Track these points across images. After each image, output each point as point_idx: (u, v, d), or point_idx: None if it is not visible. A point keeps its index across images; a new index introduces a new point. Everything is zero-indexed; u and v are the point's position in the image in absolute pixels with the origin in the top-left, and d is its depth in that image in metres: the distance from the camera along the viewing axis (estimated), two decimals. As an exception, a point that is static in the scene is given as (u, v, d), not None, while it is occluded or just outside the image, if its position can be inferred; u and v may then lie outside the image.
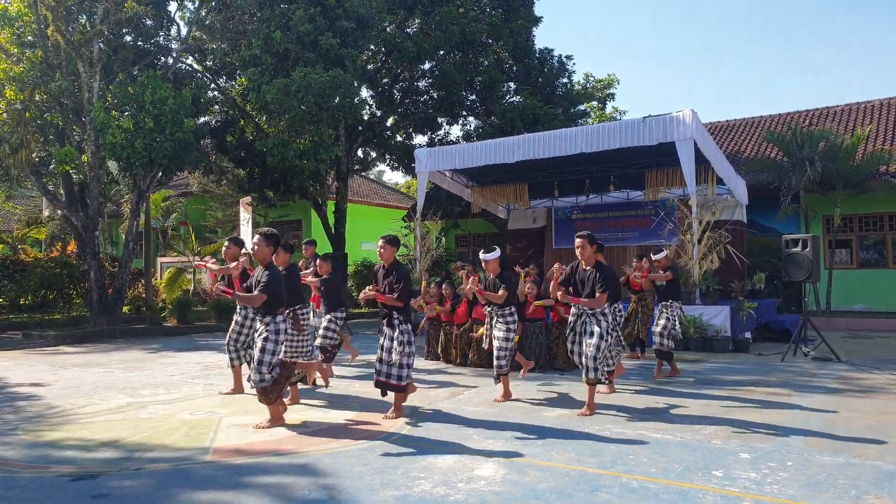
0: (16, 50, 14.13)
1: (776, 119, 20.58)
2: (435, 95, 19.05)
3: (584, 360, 5.92)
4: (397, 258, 6.12)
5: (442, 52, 17.78)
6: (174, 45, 16.44)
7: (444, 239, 21.18)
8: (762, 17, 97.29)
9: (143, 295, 16.91)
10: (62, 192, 15.26)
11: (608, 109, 30.12)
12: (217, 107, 18.10)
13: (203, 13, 15.82)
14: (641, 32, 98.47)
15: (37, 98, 14.18)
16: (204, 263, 7.53)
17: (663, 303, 8.32)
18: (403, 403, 5.98)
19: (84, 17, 14.61)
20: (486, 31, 17.59)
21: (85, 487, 4.08)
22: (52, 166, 15.10)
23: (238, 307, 6.83)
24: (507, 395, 6.61)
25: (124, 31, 14.96)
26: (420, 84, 19.50)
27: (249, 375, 5.53)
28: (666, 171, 13.81)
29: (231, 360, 6.94)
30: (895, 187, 14.89)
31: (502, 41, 18.16)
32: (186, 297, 16.14)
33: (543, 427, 5.48)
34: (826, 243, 15.77)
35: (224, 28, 15.50)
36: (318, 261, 8.26)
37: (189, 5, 16.74)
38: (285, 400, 6.08)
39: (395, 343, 5.71)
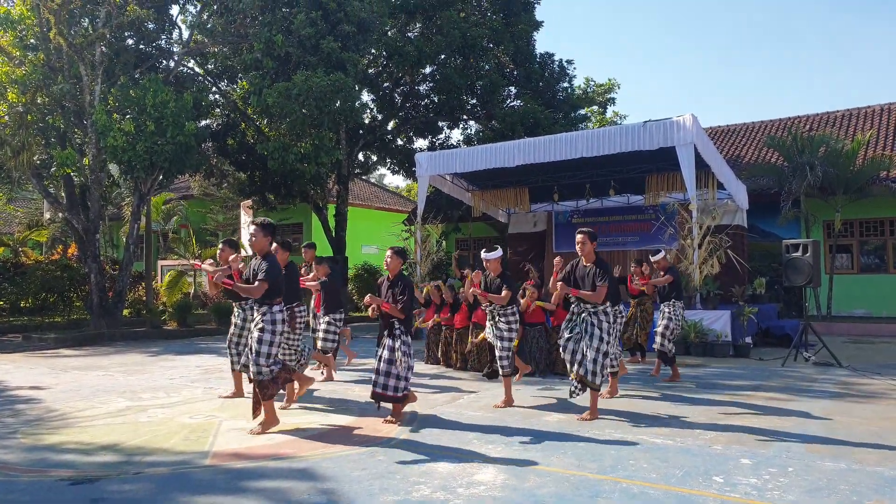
0: (18, 53, 14.17)
1: (777, 124, 20.57)
2: (436, 99, 19.09)
3: (585, 363, 5.85)
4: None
5: (443, 57, 17.82)
6: (176, 49, 16.50)
7: (444, 242, 21.19)
8: (763, 23, 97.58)
9: (144, 298, 16.90)
10: (63, 194, 15.28)
11: (609, 114, 30.20)
12: (218, 110, 18.12)
13: (205, 17, 15.87)
14: (642, 37, 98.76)
15: (38, 101, 14.22)
16: (199, 264, 7.54)
17: (665, 303, 8.32)
18: (403, 409, 5.96)
19: (86, 20, 14.67)
20: (486, 36, 17.63)
21: (84, 491, 4.08)
22: (53, 169, 15.12)
23: (235, 310, 6.83)
24: (508, 402, 6.52)
25: (126, 34, 15.02)
26: (421, 88, 19.56)
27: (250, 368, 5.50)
28: (666, 176, 13.84)
29: (232, 362, 6.94)
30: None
31: (503, 46, 18.20)
32: (187, 301, 16.14)
33: (543, 432, 5.47)
34: (827, 248, 15.76)
35: (226, 32, 15.55)
36: (314, 264, 8.29)
37: (191, 9, 16.83)
38: (280, 403, 6.07)
39: (397, 353, 5.65)
